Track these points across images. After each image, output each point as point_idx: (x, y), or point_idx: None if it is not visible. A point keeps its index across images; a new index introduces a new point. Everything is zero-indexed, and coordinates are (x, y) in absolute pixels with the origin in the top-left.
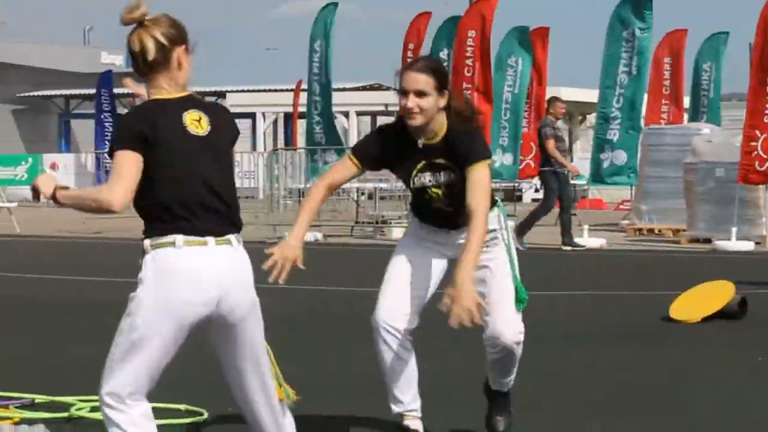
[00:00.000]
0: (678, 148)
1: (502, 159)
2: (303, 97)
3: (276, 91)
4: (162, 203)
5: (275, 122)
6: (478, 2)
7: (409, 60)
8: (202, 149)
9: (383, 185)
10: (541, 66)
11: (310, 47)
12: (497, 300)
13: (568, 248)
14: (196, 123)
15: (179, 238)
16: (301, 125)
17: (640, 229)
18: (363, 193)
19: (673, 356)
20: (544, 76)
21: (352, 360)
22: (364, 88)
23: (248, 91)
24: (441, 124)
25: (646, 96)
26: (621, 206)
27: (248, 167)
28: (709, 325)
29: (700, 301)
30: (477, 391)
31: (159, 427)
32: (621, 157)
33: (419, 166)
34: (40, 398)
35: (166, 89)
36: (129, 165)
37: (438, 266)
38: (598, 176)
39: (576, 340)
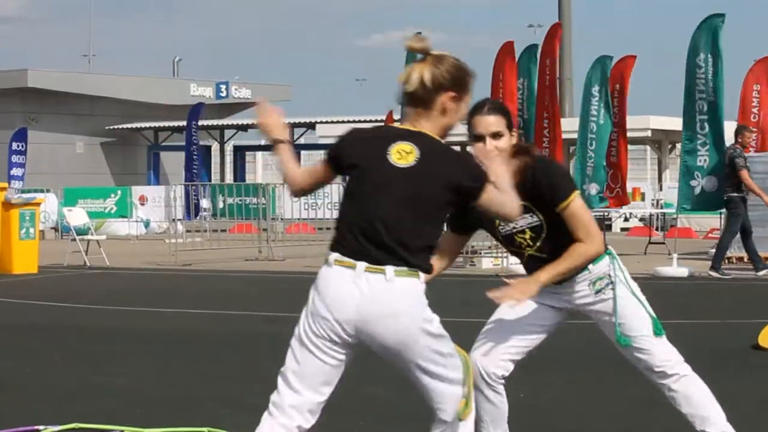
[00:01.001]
0: (767, 176)
1: (589, 189)
2: None
3: (365, 121)
4: (340, 220)
5: None
6: (551, 30)
7: (501, 89)
8: (394, 179)
9: None
10: (624, 94)
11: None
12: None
13: (715, 274)
14: (402, 154)
15: (333, 257)
16: None
17: (729, 258)
18: None
19: (763, 384)
20: (625, 105)
21: None
22: None
23: (337, 122)
24: (514, 166)
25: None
26: (710, 234)
27: (337, 198)
28: None
29: None
30: None
31: None
32: (712, 183)
33: None
34: (128, 430)
35: (410, 122)
36: (314, 168)
37: (547, 314)
38: (687, 204)
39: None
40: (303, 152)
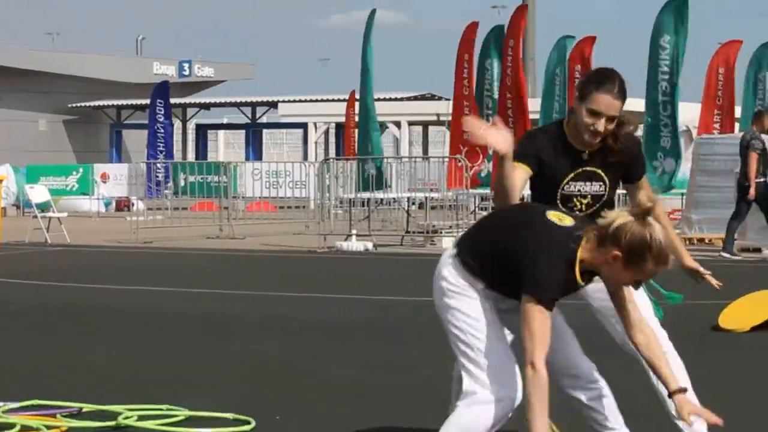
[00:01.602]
0: (729, 157)
1: None
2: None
3: (328, 101)
4: None
5: (327, 132)
6: (517, 11)
7: (465, 69)
8: None
9: (434, 195)
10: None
11: (362, 57)
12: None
13: (727, 255)
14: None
15: None
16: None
17: (690, 239)
18: (413, 203)
19: (721, 365)
20: None
21: (404, 368)
22: (416, 98)
23: (300, 101)
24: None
25: (697, 104)
26: (671, 216)
27: (299, 177)
28: (758, 335)
29: (749, 311)
30: None
31: None
32: (671, 164)
33: (573, 174)
34: (87, 407)
35: None
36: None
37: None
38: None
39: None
40: (265, 131)
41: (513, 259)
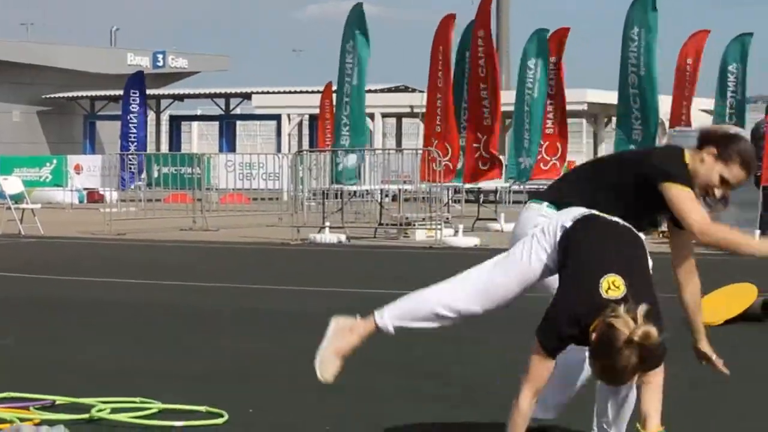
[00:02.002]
0: None
1: (525, 162)
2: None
3: (302, 92)
4: None
5: (300, 124)
6: (484, 2)
7: (440, 61)
8: None
9: (407, 187)
10: (561, 67)
11: (342, 48)
12: None
13: None
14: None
15: None
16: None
17: (663, 232)
18: (387, 195)
19: (694, 358)
20: (562, 77)
21: (366, 361)
22: (390, 90)
23: (274, 92)
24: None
25: (668, 97)
26: None
27: (272, 169)
28: (731, 328)
29: (722, 304)
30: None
31: (179, 428)
32: None
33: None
34: (60, 399)
35: None
36: None
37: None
38: None
39: None
40: (239, 122)
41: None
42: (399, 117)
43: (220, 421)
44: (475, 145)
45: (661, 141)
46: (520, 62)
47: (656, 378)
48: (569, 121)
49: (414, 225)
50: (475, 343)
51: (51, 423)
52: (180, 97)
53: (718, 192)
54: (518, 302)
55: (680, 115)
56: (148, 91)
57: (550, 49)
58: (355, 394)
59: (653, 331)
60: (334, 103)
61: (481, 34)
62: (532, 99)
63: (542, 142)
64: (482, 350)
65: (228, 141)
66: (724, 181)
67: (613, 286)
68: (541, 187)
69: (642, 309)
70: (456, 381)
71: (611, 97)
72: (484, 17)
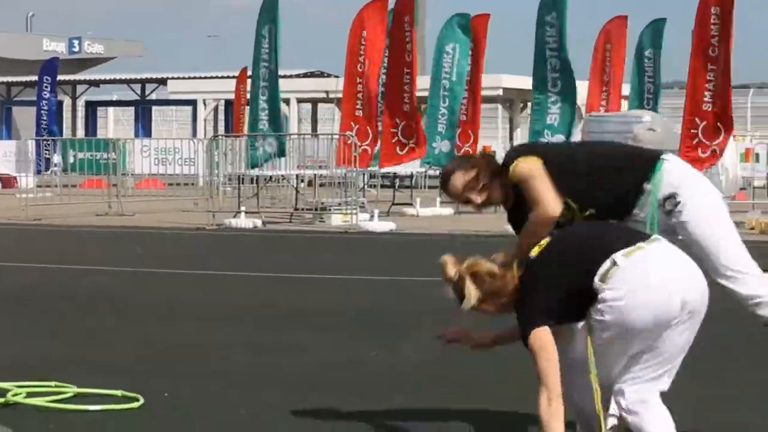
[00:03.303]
0: (618, 135)
1: (440, 146)
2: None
3: (217, 78)
4: None
5: (216, 109)
6: None
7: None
8: None
9: (323, 172)
10: (480, 53)
11: (258, 34)
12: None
13: None
14: None
15: None
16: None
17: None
18: (302, 180)
19: None
20: (481, 63)
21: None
22: (305, 75)
23: (189, 78)
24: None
25: (585, 82)
26: None
27: (188, 154)
28: None
29: None
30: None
31: (94, 412)
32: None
33: None
34: None
35: None
36: None
37: None
38: None
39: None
40: (155, 108)
41: None
42: (314, 102)
43: (135, 405)
44: (392, 129)
45: (578, 126)
46: (437, 47)
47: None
48: (485, 106)
49: (329, 210)
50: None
51: None
52: (96, 83)
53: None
54: None
55: (597, 100)
56: (64, 77)
57: (471, 34)
58: (273, 382)
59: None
60: (249, 88)
61: (406, 19)
62: (450, 83)
63: (458, 128)
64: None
65: (144, 126)
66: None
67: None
68: None
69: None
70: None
71: (526, 83)
72: (409, 2)
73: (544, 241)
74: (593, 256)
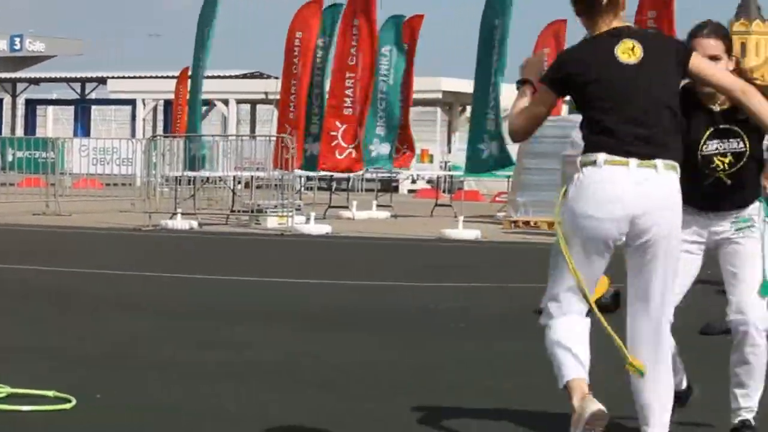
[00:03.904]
0: (557, 139)
1: (378, 149)
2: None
3: (157, 78)
4: (589, 128)
5: (155, 109)
6: None
7: (297, 48)
8: (635, 77)
9: (260, 174)
10: (412, 54)
11: (198, 34)
12: (744, 280)
13: None
14: (629, 52)
15: (601, 157)
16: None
17: (516, 222)
18: (239, 182)
19: (540, 348)
20: (412, 65)
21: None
22: (244, 76)
23: (129, 77)
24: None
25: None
26: (497, 198)
27: (126, 154)
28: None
29: None
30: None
31: (25, 413)
32: (496, 147)
33: (708, 132)
34: None
35: (603, 27)
36: (538, 102)
37: (693, 264)
38: (475, 167)
39: (438, 331)
40: (94, 107)
41: None
42: (253, 103)
43: (67, 406)
44: (332, 133)
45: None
46: (377, 48)
47: None
48: (424, 110)
49: (266, 212)
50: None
51: None
52: (36, 81)
53: None
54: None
55: None
56: (5, 75)
57: (405, 35)
58: (214, 379)
59: None
60: (189, 88)
61: (356, 22)
62: (387, 86)
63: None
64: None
65: (83, 125)
66: None
67: (627, 51)
68: (393, 175)
69: None
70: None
71: (466, 86)
72: (363, 5)
73: None
74: None
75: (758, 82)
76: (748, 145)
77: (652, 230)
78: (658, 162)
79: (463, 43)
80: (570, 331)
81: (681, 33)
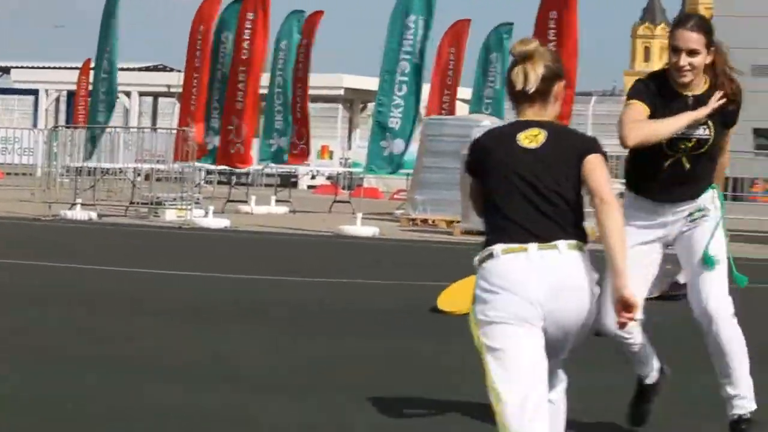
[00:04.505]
0: (457, 139)
1: (278, 143)
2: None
3: (61, 68)
4: (489, 218)
5: (57, 100)
6: None
7: (199, 41)
8: (529, 160)
9: (160, 166)
10: (309, 49)
11: (103, 25)
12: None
13: None
14: (532, 137)
15: (498, 248)
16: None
17: (414, 220)
18: (139, 174)
19: (433, 347)
20: (309, 60)
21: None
22: (147, 69)
23: (32, 67)
24: (704, 78)
25: (427, 86)
26: (396, 196)
27: (28, 144)
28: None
29: (467, 294)
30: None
31: None
32: (400, 146)
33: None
34: None
35: (529, 117)
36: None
37: (654, 257)
38: (375, 164)
39: (342, 327)
40: None
41: None
42: (156, 96)
43: None
44: (229, 127)
45: (416, 129)
46: (274, 44)
47: None
48: (325, 106)
49: (165, 204)
50: None
51: None
52: None
53: None
54: None
55: (440, 104)
56: None
57: (305, 31)
58: (102, 368)
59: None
60: (92, 79)
61: (250, 16)
62: (284, 81)
63: (294, 126)
64: None
65: None
66: None
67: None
68: (292, 171)
69: None
70: None
71: (368, 83)
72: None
73: None
74: None
75: (736, 80)
76: (713, 134)
77: (563, 312)
78: (560, 243)
79: (366, 41)
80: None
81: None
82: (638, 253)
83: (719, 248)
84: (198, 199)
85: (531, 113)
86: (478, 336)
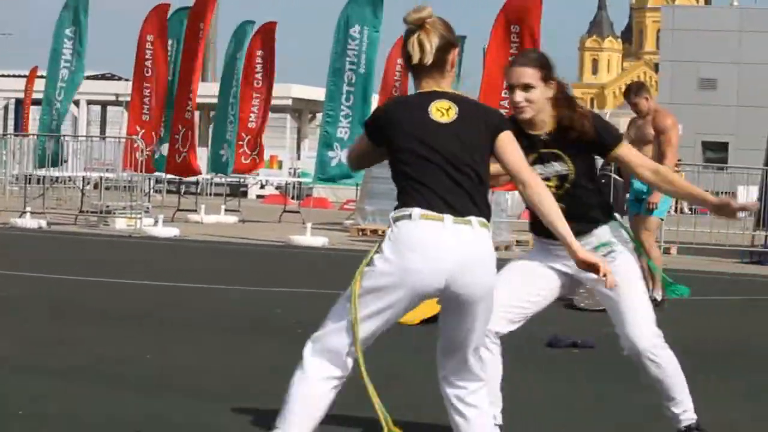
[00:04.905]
0: None
1: (227, 153)
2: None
3: (8, 76)
4: (402, 183)
5: (6, 108)
6: None
7: (149, 51)
8: (446, 135)
9: (110, 175)
10: (267, 61)
11: (57, 33)
12: (624, 309)
13: None
14: (443, 111)
15: (416, 212)
16: (34, 111)
17: (363, 230)
18: (88, 183)
19: (394, 358)
20: (273, 72)
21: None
22: (95, 78)
23: None
24: (549, 115)
25: (376, 96)
26: (346, 206)
27: None
28: (427, 328)
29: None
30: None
31: None
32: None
33: (531, 158)
34: None
35: (431, 87)
36: (358, 145)
37: (552, 280)
38: (324, 174)
39: (292, 337)
40: None
41: None
42: (104, 105)
43: None
44: (176, 136)
45: None
46: (226, 54)
47: None
48: (274, 116)
49: (114, 213)
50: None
51: None
52: None
53: None
54: None
55: None
56: None
57: (256, 42)
58: (43, 375)
59: None
60: (44, 87)
61: (201, 26)
62: (238, 90)
63: (244, 136)
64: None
65: None
66: None
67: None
68: (242, 179)
69: None
70: None
71: (316, 93)
72: (204, 8)
73: None
74: None
75: (582, 109)
76: (572, 167)
77: (469, 287)
78: (473, 219)
79: (315, 50)
80: (310, 397)
81: (548, 42)
82: (532, 266)
83: (639, 286)
84: (147, 207)
85: (432, 83)
86: (356, 292)
